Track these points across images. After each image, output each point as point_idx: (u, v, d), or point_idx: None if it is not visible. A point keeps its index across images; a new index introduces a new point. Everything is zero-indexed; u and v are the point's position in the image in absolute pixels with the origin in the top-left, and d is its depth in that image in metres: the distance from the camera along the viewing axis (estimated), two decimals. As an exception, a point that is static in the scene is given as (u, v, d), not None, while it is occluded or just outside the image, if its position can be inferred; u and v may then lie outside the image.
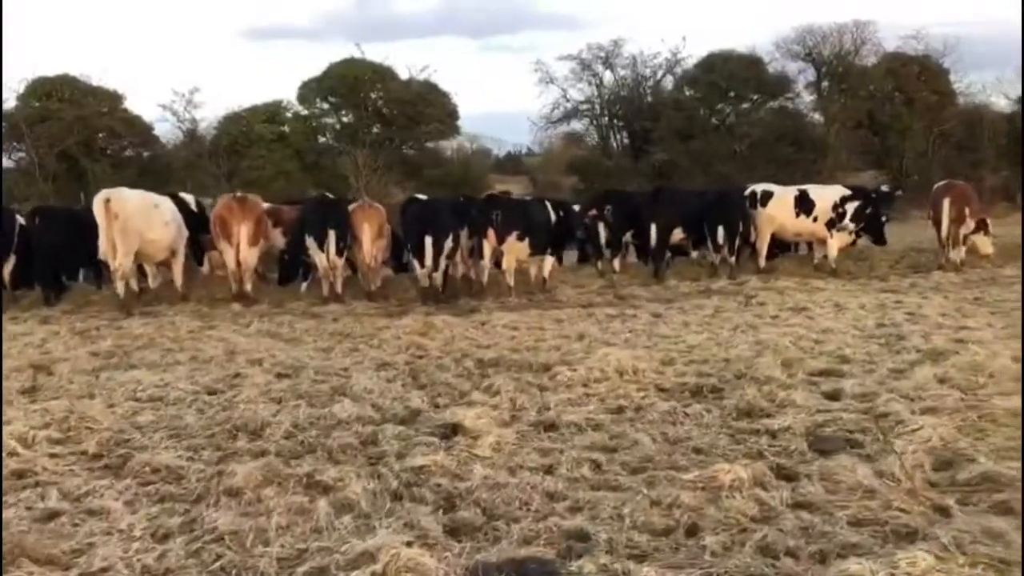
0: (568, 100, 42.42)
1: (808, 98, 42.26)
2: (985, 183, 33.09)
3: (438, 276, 12.89)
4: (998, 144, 40.96)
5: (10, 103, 34.47)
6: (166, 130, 36.30)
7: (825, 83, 41.66)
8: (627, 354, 7.98)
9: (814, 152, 39.66)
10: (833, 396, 6.66)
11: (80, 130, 32.65)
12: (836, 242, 15.47)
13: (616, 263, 15.67)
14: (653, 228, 14.84)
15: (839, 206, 15.41)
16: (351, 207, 13.29)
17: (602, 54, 41.59)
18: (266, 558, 4.03)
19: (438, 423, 6.18)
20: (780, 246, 17.26)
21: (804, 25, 40.88)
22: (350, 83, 36.07)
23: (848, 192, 15.85)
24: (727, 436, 5.83)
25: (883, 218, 16.53)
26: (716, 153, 39.04)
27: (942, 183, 16.05)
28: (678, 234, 15.31)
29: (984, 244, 16.28)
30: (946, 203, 15.09)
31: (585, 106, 42.57)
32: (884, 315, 10.29)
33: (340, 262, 12.90)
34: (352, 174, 32.70)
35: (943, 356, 7.69)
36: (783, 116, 40.35)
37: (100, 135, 34.97)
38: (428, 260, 12.56)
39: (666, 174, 38.89)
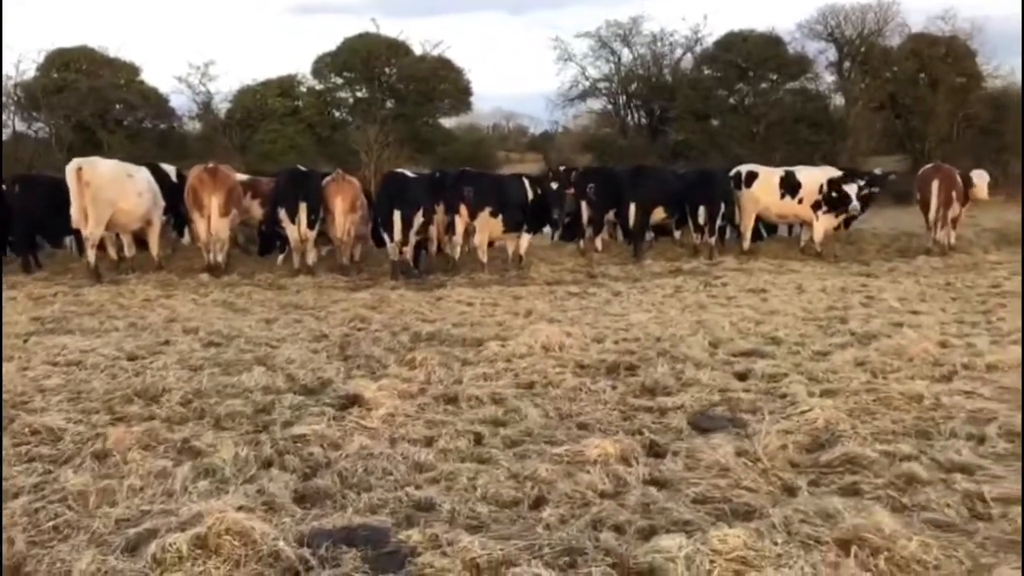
0: (587, 78, 42.19)
1: (829, 79, 41.59)
2: (1010, 168, 32.51)
3: (408, 250, 12.92)
4: (1031, 129, 39.94)
5: (29, 73, 35.01)
6: (182, 103, 36.56)
7: (847, 64, 40.91)
8: (558, 331, 7.97)
9: (833, 134, 39.06)
10: (742, 376, 6.62)
11: (95, 101, 32.94)
12: (822, 224, 15.26)
13: (598, 241, 15.60)
14: (632, 207, 14.73)
15: (825, 188, 15.17)
16: (325, 180, 13.32)
17: (620, 31, 41.26)
18: (104, 519, 4.10)
19: (341, 394, 6.22)
20: (770, 228, 17.15)
21: (827, 5, 40.10)
22: (363, 58, 36.03)
23: (837, 174, 15.58)
24: (619, 413, 5.82)
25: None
26: (733, 134, 38.60)
27: (929, 166, 15.78)
28: (660, 214, 15.20)
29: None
30: (934, 186, 14.83)
31: (603, 84, 42.26)
32: (840, 299, 10.18)
33: (311, 235, 12.96)
34: (363, 149, 32.76)
35: (873, 339, 7.62)
36: (803, 97, 39.70)
37: (117, 107, 35.30)
38: (397, 234, 12.59)
39: (682, 154, 38.54)
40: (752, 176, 15.41)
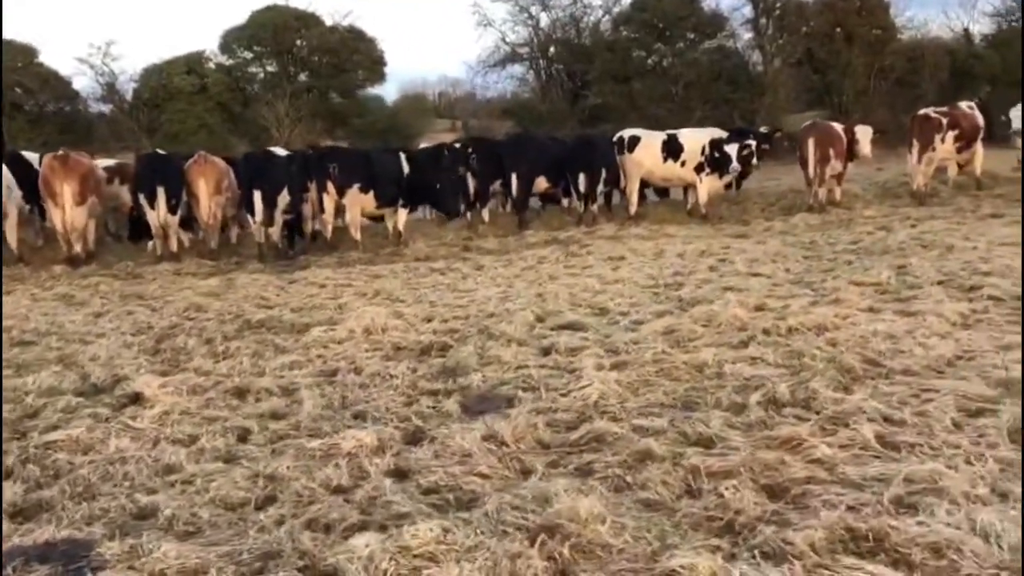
0: (507, 44, 41.77)
1: (747, 36, 41.72)
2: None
3: (275, 231, 12.62)
4: (941, 79, 40.56)
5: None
6: (88, 85, 35.42)
7: (763, 20, 41.02)
8: (385, 311, 7.83)
9: (752, 92, 39.25)
10: (547, 351, 6.52)
11: (-10, 86, 31.65)
12: (705, 187, 15.27)
13: (485, 213, 15.43)
14: (514, 177, 14.57)
15: (707, 150, 15.16)
16: (187, 163, 12.92)
17: (541, -6, 40.80)
18: None
19: (125, 393, 5.99)
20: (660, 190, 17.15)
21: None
22: (272, 31, 35.20)
23: (722, 135, 15.56)
24: (404, 398, 5.68)
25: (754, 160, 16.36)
26: (652, 95, 38.58)
27: (807, 123, 15.85)
28: (542, 183, 15.06)
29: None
30: (810, 144, 14.89)
31: (523, 49, 41.88)
32: (692, 263, 10.17)
33: (173, 220, 12.59)
34: (273, 125, 32.11)
35: (696, 306, 7.56)
36: (720, 55, 39.78)
37: (17, 90, 34.02)
38: (259, 214, 12.28)
39: (600, 117, 38.45)
40: (635, 140, 15.33)
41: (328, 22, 36.07)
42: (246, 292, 9.75)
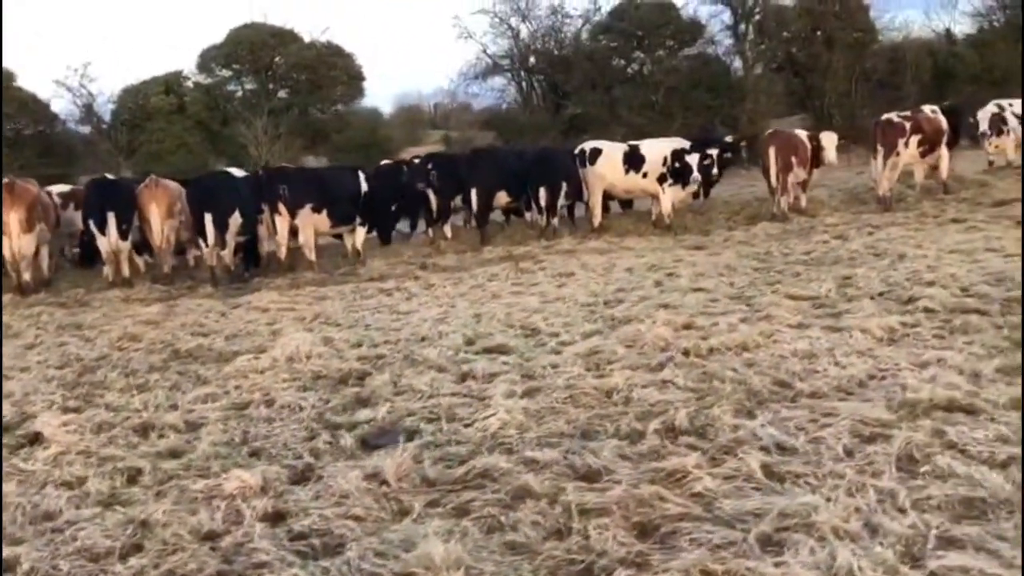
0: (488, 56, 41.71)
1: (728, 43, 41.68)
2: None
3: (227, 254, 12.48)
4: (923, 80, 40.52)
5: None
6: (63, 107, 35.31)
7: (742, 26, 41.00)
8: (313, 338, 7.70)
9: (733, 98, 39.20)
10: (464, 377, 6.38)
11: (-36, 110, 31.52)
12: (668, 197, 15.16)
13: (447, 229, 15.31)
14: (473, 192, 14.46)
15: (669, 160, 15.05)
16: (139, 187, 12.81)
17: (517, 6, 40.79)
18: None
19: (26, 432, 5.85)
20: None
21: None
22: (249, 48, 35.14)
23: (684, 145, 15.46)
24: (306, 432, 5.54)
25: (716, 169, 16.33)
26: (631, 104, 38.53)
27: (768, 132, 15.74)
28: (503, 198, 14.95)
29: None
30: (771, 152, 14.78)
31: (505, 61, 41.82)
32: (639, 279, 10.02)
33: (124, 246, 12.47)
34: (251, 143, 31.98)
35: (624, 325, 7.43)
36: (700, 62, 39.74)
37: (-5, 116, 33.88)
38: (210, 238, 12.15)
39: (581, 127, 38.38)
40: (596, 153, 15.22)
41: (306, 39, 35.95)
42: (185, 319, 9.61)
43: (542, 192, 14.53)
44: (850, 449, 4.38)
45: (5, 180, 12.27)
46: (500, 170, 14.71)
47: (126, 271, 12.63)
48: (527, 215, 15.74)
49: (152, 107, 34.30)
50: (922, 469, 4.06)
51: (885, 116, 15.78)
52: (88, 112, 35.12)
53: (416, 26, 73.07)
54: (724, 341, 6.48)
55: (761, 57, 41.84)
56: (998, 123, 18.21)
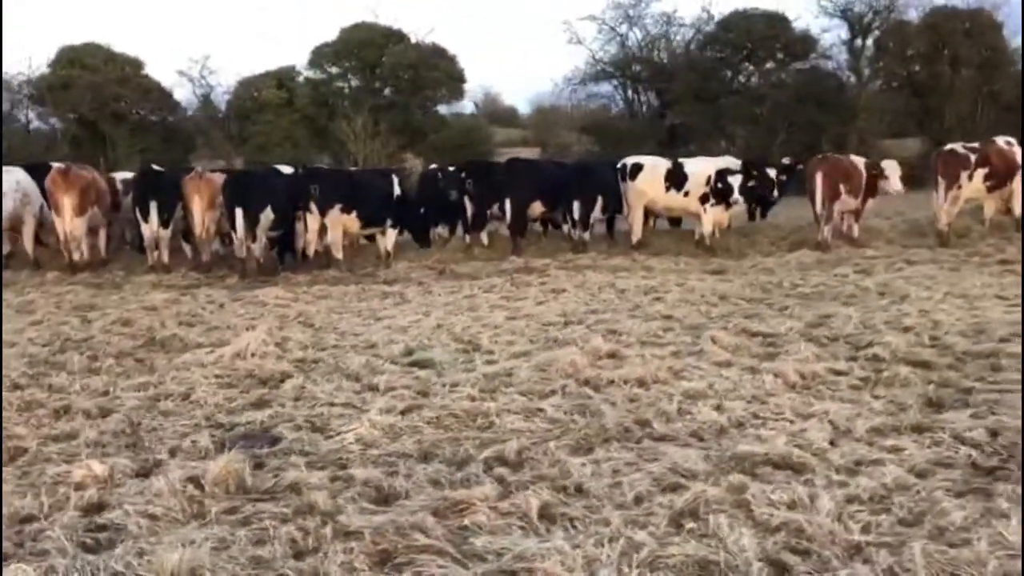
0: (597, 61, 41.63)
1: (842, 58, 40.15)
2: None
3: (256, 248, 13.06)
4: (1062, 108, 37.92)
5: (42, 69, 36.29)
6: (184, 96, 37.47)
7: (859, 41, 39.42)
8: (259, 338, 8.01)
9: (843, 115, 37.74)
10: (373, 388, 6.56)
11: (95, 97, 33.94)
12: (709, 217, 14.88)
13: (483, 236, 15.49)
14: (508, 202, 14.59)
15: (713, 180, 14.76)
16: (185, 178, 13.56)
17: (628, 13, 40.50)
18: None
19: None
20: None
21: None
22: (357, 47, 36.33)
23: (733, 165, 15.13)
24: (189, 429, 5.83)
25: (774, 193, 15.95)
26: (735, 116, 37.71)
27: (817, 157, 15.16)
28: (537, 208, 15.02)
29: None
30: (818, 179, 14.27)
31: (611, 68, 41.61)
32: (621, 301, 9.94)
33: (165, 234, 13.25)
34: (350, 139, 33.07)
35: (556, 348, 7.44)
36: (811, 77, 38.40)
37: (123, 102, 36.23)
38: (240, 231, 12.76)
39: (682, 137, 37.87)
40: (637, 168, 15.07)
41: (412, 39, 36.86)
42: (183, 308, 10.17)
43: (576, 205, 14.50)
44: (641, 497, 4.32)
45: (61, 165, 13.26)
46: (536, 181, 14.77)
47: (166, 257, 13.41)
48: (564, 227, 15.72)
49: (263, 100, 35.95)
50: (688, 526, 3.97)
51: (949, 146, 14.98)
52: (206, 101, 37.16)
53: (522, 28, 73.45)
54: (627, 373, 6.41)
55: (878, 74, 40.19)
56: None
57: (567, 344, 7.58)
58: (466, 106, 39.34)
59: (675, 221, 16.74)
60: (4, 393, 6.61)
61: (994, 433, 5.14)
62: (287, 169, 14.75)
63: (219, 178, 13.61)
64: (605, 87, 42.31)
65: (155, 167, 14.80)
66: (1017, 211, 15.25)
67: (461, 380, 6.59)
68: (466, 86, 37.20)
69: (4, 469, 5.22)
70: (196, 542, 4.00)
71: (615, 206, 15.08)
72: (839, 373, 6.57)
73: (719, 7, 40.33)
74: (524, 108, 46.57)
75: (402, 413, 5.86)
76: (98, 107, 34.38)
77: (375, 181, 13.85)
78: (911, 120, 40.26)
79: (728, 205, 14.79)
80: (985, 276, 11.00)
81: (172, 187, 13.33)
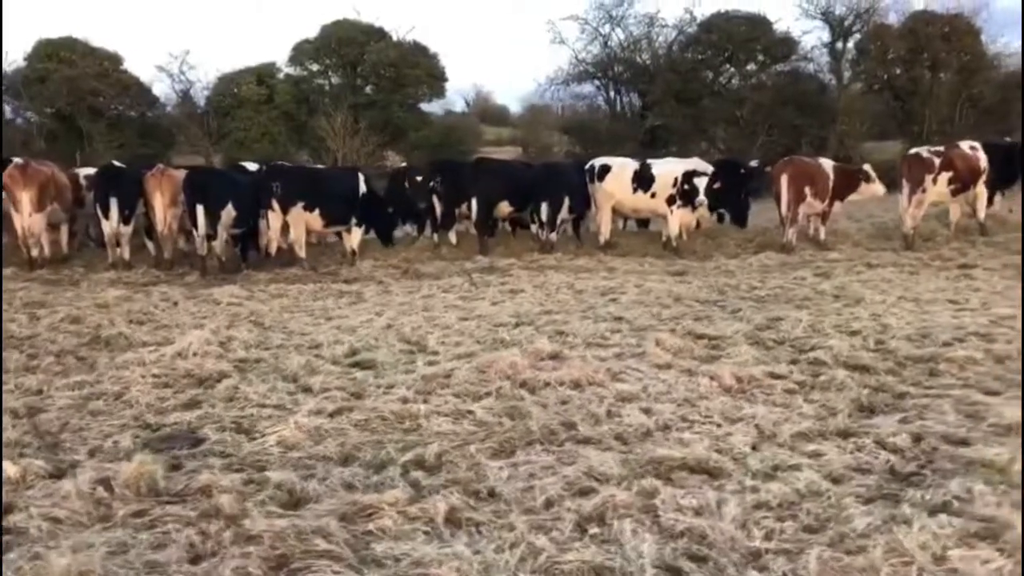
0: (580, 61, 41.61)
1: (824, 60, 40.28)
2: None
3: (218, 245, 12.96)
4: (1040, 110, 38.11)
5: (19, 63, 36.03)
6: (163, 91, 37.26)
7: (839, 44, 39.54)
8: (203, 337, 7.95)
9: (823, 118, 37.89)
10: (305, 390, 6.50)
11: (70, 91, 33.70)
12: (676, 219, 14.86)
13: (452, 235, 15.42)
14: (475, 201, 14.54)
15: (680, 182, 14.75)
16: (147, 175, 13.44)
17: (611, 13, 40.47)
18: None
19: None
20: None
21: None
22: (338, 44, 36.21)
23: (696, 168, 15.12)
24: (116, 429, 5.75)
25: (744, 195, 16.02)
26: (715, 118, 37.80)
27: (784, 159, 15.16)
28: (504, 208, 14.98)
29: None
30: (783, 181, 14.28)
31: (593, 68, 41.59)
32: (576, 301, 9.91)
33: (126, 230, 13.13)
34: (329, 136, 32.99)
35: (502, 348, 7.41)
36: (791, 79, 38.53)
37: (101, 97, 35.98)
38: (201, 228, 12.66)
39: (662, 138, 37.90)
40: (605, 169, 15.04)
41: (394, 37, 36.78)
42: (135, 306, 10.07)
43: (544, 206, 14.47)
44: (552, 502, 4.28)
45: (19, 160, 13.12)
46: (504, 181, 14.72)
47: (127, 254, 13.30)
48: (532, 227, 15.68)
49: (243, 96, 35.78)
50: (592, 532, 3.94)
51: (914, 150, 15.03)
52: (185, 97, 36.96)
53: (505, 28, 73.40)
54: (564, 375, 6.37)
55: (859, 77, 40.35)
56: (1058, 163, 16.99)
57: (513, 345, 7.54)
58: (456, 103, 39.24)
59: (643, 222, 16.73)
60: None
61: (918, 438, 5.13)
62: (253, 166, 14.64)
63: (181, 175, 13.49)
64: (588, 87, 42.42)
65: (116, 163, 14.67)
66: (981, 215, 15.33)
67: (398, 381, 6.54)
68: (458, 84, 37.18)
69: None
70: (94, 546, 3.95)
71: (581, 207, 15.04)
72: (777, 377, 6.55)
73: (702, 9, 40.16)
74: (517, 107, 46.63)
75: (331, 415, 5.81)
76: (74, 102, 34.13)
77: (340, 179, 13.79)
78: (891, 123, 40.50)
79: (694, 207, 14.78)
80: (942, 280, 11.04)
81: (133, 184, 13.22)
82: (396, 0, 67.30)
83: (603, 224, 15.18)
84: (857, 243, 15.13)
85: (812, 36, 41.07)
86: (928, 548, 3.67)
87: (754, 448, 4.99)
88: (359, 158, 33.03)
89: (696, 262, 13.59)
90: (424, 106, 38.36)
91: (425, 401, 6.01)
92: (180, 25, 64.96)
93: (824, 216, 15.18)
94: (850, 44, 39.70)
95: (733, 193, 16.18)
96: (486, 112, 52.46)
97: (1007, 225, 15.76)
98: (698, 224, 16.31)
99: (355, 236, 13.99)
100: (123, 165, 14.53)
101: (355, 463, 4.96)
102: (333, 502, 4.39)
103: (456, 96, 46.15)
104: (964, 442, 5.08)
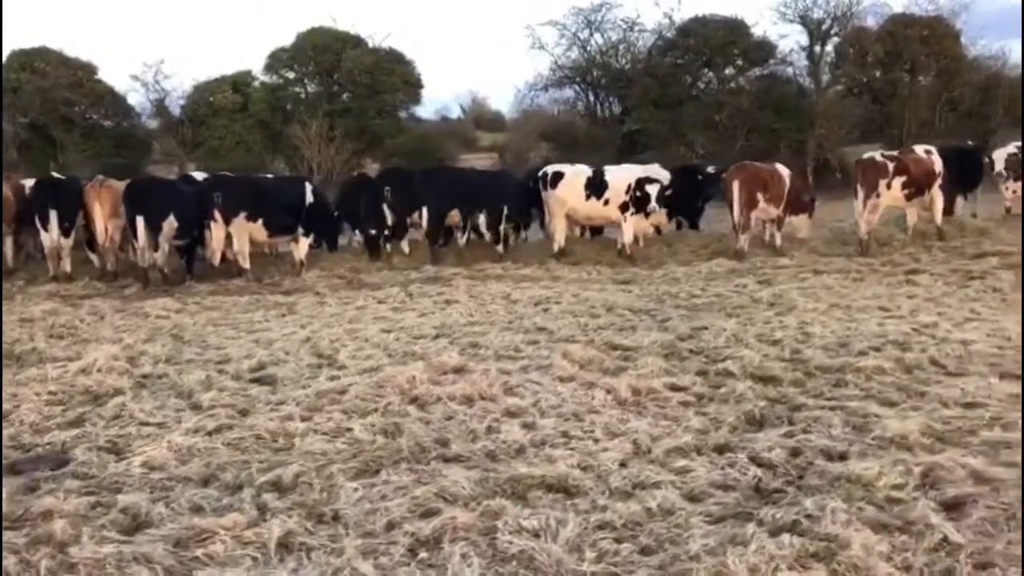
0: (560, 67, 41.51)
1: (802, 63, 40.21)
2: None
3: (159, 257, 12.83)
4: (1016, 113, 38.19)
5: (-8, 73, 35.81)
6: (137, 101, 37.06)
7: (818, 48, 39.47)
8: (112, 352, 7.82)
9: (801, 121, 37.81)
10: (194, 407, 6.37)
11: (43, 101, 33.52)
12: (629, 226, 14.76)
13: (404, 244, 15.30)
14: (424, 210, 14.42)
15: (633, 189, 14.65)
16: (87, 186, 13.31)
17: (589, 19, 40.39)
18: None
19: None
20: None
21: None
22: (314, 51, 36.09)
23: (649, 175, 15.02)
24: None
25: (702, 201, 15.96)
26: (693, 123, 37.68)
27: (737, 164, 15.05)
28: (455, 216, 14.86)
29: (802, 225, 15.47)
30: (735, 187, 14.17)
31: (572, 73, 41.51)
32: (508, 312, 9.80)
33: (66, 243, 13.00)
34: (304, 144, 32.83)
35: (407, 361, 7.29)
36: (769, 83, 38.45)
37: (77, 107, 35.75)
38: (141, 239, 12.53)
39: (641, 144, 37.79)
40: (557, 176, 14.91)
41: (370, 44, 36.68)
42: (60, 320, 9.93)
43: (482, 214, 14.39)
44: (393, 524, 4.17)
45: (-43, 174, 13.00)
46: (454, 189, 14.60)
47: (68, 267, 13.15)
48: (485, 235, 15.53)
49: (217, 104, 35.61)
50: (421, 556, 3.82)
51: (867, 154, 14.95)
52: (159, 107, 36.79)
53: (484, 33, 73.46)
54: (458, 390, 6.26)
55: (838, 81, 40.29)
56: (1016, 165, 16.95)
57: (421, 358, 7.41)
58: (453, 109, 39.15)
59: (596, 231, 16.63)
60: None
61: (796, 453, 5.03)
62: (199, 176, 14.51)
63: (121, 186, 13.36)
64: (568, 92, 42.30)
65: (55, 175, 14.53)
66: (938, 219, 15.24)
67: (290, 398, 6.42)
68: (456, 90, 37.06)
69: None
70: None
71: (522, 215, 14.92)
72: (678, 389, 6.44)
73: (681, 13, 39.95)
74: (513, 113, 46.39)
75: (209, 433, 5.68)
76: (48, 112, 33.94)
77: (284, 189, 13.68)
78: (871, 126, 40.43)
79: (647, 214, 14.68)
80: (883, 287, 10.92)
81: (73, 195, 13.08)
82: (388, 5, 66.91)
83: (557, 232, 15.05)
84: (813, 249, 14.98)
85: (790, 40, 40.38)
86: (758, 571, 3.56)
87: (623, 464, 4.86)
88: (334, 166, 32.94)
89: (646, 270, 13.46)
90: (421, 112, 38.28)
91: (308, 419, 5.88)
92: (157, 35, 64.66)
93: (779, 222, 15.07)
94: (828, 47, 39.61)
95: (690, 199, 16.11)
96: (481, 118, 52.28)
97: (966, 229, 15.66)
98: (658, 230, 16.23)
99: (302, 246, 13.87)
100: (62, 176, 14.38)
101: (213, 484, 4.84)
102: (173, 526, 4.26)
103: (452, 102, 46.14)
104: (842, 456, 4.97)
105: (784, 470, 4.79)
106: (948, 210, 16.23)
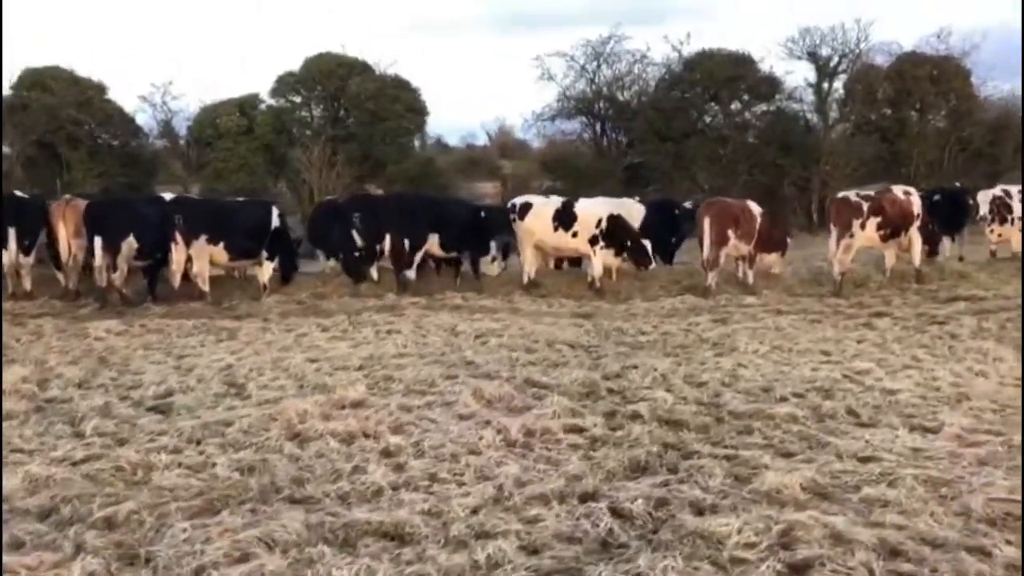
0: (568, 98, 41.57)
1: (810, 99, 40.03)
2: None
3: (118, 277, 12.78)
4: (1028, 153, 37.75)
5: (6, 92, 36.31)
6: (145, 121, 37.40)
7: (825, 84, 39.29)
8: (22, 374, 7.74)
9: (807, 158, 37.55)
10: (77, 435, 6.24)
11: (50, 120, 33.88)
12: (599, 260, 14.58)
13: (373, 271, 15.18)
14: (388, 238, 14.31)
15: (603, 222, 14.49)
16: (53, 205, 13.33)
17: (600, 50, 40.43)
18: None
19: None
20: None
21: (806, 25, 38.68)
22: (320, 76, 36.36)
23: (622, 210, 14.87)
24: None
25: (679, 236, 15.80)
26: (697, 157, 37.53)
27: (708, 200, 14.87)
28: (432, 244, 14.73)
29: (775, 263, 15.23)
30: (706, 223, 13.96)
31: (579, 105, 41.54)
32: (440, 345, 9.62)
33: (27, 261, 13.00)
34: (305, 168, 33.00)
35: (327, 393, 7.15)
36: (776, 119, 38.27)
37: (85, 126, 36.11)
38: (98, 259, 12.51)
39: (643, 177, 37.68)
40: (526, 207, 14.78)
41: (376, 71, 36.93)
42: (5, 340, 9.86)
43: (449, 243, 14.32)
44: (203, 569, 3.99)
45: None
46: (421, 216, 14.49)
47: (27, 285, 13.14)
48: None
49: (223, 126, 35.88)
50: (211, 606, 3.63)
51: (841, 194, 14.74)
52: (166, 128, 37.13)
53: (493, 63, 73.96)
54: (343, 427, 6.09)
55: (846, 118, 40.05)
56: (1000, 208, 16.65)
57: (328, 391, 7.25)
58: (480, 136, 39.25)
59: (573, 261, 16.44)
60: None
61: (662, 503, 4.81)
62: (168, 195, 14.50)
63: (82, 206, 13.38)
64: (574, 124, 42.31)
65: (17, 193, 14.55)
66: (916, 261, 14.94)
67: (175, 428, 6.27)
68: (482, 118, 37.20)
69: None
70: None
71: (464, 244, 14.84)
72: (576, 430, 6.25)
73: (689, 47, 39.84)
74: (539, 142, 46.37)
75: (75, 463, 5.55)
76: (54, 130, 34.31)
77: (248, 212, 13.62)
78: (879, 165, 40.08)
79: (621, 249, 14.52)
80: (837, 330, 10.65)
81: (35, 213, 13.09)
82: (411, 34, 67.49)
83: (526, 263, 14.89)
84: (787, 288, 14.72)
85: (798, 76, 40.20)
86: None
87: (474, 512, 4.67)
88: (335, 190, 33.00)
89: (610, 304, 13.27)
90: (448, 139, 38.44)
91: (179, 451, 5.72)
92: (168, 55, 65.37)
93: (751, 259, 14.83)
94: (837, 84, 39.46)
95: (665, 233, 15.95)
96: (506, 146, 52.24)
97: (945, 272, 15.35)
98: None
99: (265, 270, 13.80)
100: (25, 195, 14.41)
101: (50, 519, 4.68)
102: (31, 563, 4.09)
103: (479, 130, 46.17)
104: (711, 509, 4.75)
105: (642, 522, 4.58)
106: (933, 252, 15.98)
